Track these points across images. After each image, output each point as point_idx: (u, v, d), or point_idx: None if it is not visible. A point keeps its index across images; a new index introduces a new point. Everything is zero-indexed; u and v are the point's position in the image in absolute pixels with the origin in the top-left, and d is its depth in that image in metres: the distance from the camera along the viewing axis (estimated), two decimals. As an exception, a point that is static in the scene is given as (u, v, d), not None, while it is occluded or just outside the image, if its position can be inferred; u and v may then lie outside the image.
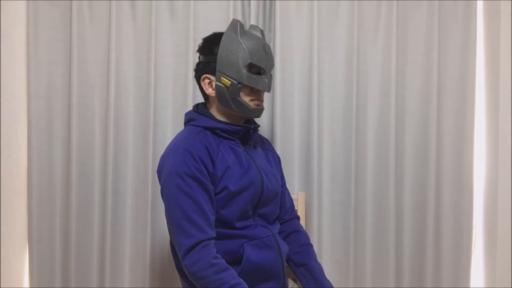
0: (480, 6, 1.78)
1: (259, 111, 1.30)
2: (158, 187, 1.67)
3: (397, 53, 1.73)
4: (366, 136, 1.76)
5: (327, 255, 1.74)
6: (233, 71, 1.24)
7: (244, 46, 1.24)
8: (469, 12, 1.75)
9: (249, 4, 1.73)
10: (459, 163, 1.75)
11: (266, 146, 1.47)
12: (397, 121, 1.75)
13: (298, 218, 1.49)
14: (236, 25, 1.26)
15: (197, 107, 1.36)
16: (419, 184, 1.77)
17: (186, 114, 1.36)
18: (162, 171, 1.24)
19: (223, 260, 1.17)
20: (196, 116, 1.31)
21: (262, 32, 1.32)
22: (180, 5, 1.72)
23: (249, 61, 1.24)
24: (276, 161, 1.46)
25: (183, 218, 1.17)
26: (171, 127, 1.73)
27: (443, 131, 1.76)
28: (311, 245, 1.43)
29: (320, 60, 1.73)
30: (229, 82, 1.24)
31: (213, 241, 1.19)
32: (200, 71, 1.31)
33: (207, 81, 1.29)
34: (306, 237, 1.44)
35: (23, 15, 1.68)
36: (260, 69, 1.26)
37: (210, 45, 1.29)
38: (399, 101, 1.76)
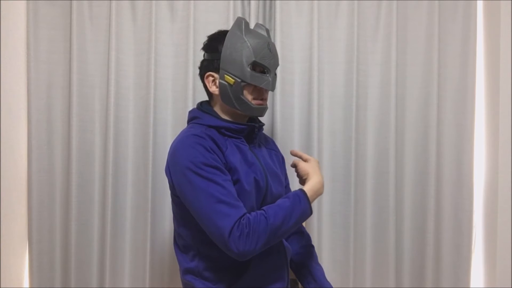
0: (480, 6, 1.79)
1: (262, 110, 1.29)
2: (158, 187, 1.69)
3: (397, 53, 1.73)
4: (366, 136, 1.76)
5: (327, 255, 1.74)
6: (237, 69, 1.22)
7: (249, 44, 1.22)
8: (469, 12, 1.75)
9: (249, 4, 1.73)
10: (459, 163, 1.75)
11: (270, 145, 1.46)
12: (397, 121, 1.75)
13: None
14: (241, 23, 1.25)
15: (201, 105, 1.34)
16: (419, 184, 1.77)
17: (190, 112, 1.34)
18: (175, 167, 1.17)
19: (261, 209, 1.15)
20: (200, 115, 1.29)
21: (267, 30, 1.31)
22: (180, 5, 1.72)
23: (253, 59, 1.22)
24: (280, 160, 1.45)
25: (217, 202, 1.10)
26: (171, 127, 1.73)
27: (443, 131, 1.77)
28: (312, 246, 1.43)
29: (320, 60, 1.73)
30: (233, 80, 1.23)
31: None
32: (204, 68, 1.30)
33: (210, 78, 1.28)
34: (308, 238, 1.44)
35: (23, 15, 1.68)
36: (264, 67, 1.25)
37: (215, 43, 1.28)
38: (399, 101, 1.76)
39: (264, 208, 1.15)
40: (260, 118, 1.40)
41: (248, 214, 1.12)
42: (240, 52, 1.22)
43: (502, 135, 1.70)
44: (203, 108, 1.32)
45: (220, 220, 1.09)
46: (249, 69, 1.22)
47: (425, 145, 1.76)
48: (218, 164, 1.15)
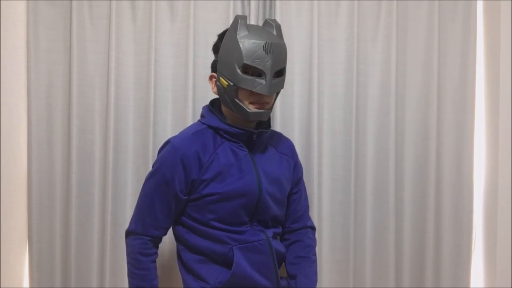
0: (480, 6, 1.78)
1: (259, 115, 1.21)
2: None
3: (397, 53, 1.73)
4: (366, 136, 1.76)
5: (327, 255, 1.74)
6: (229, 72, 1.18)
7: (241, 46, 1.16)
8: (469, 12, 1.75)
9: (249, 4, 1.73)
10: (459, 163, 1.75)
11: (282, 149, 1.39)
12: (397, 121, 1.75)
13: (312, 227, 1.42)
14: (236, 23, 1.19)
15: (212, 103, 1.35)
16: (419, 184, 1.77)
17: (203, 107, 1.35)
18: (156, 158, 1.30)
19: (148, 259, 1.25)
20: (207, 114, 1.30)
21: (278, 27, 1.24)
22: (180, 5, 1.72)
23: (243, 62, 1.15)
24: (290, 167, 1.38)
25: (137, 208, 1.28)
26: (171, 127, 1.73)
27: (443, 131, 1.77)
28: (308, 258, 1.36)
29: (320, 60, 1.73)
30: (226, 83, 1.19)
31: (150, 239, 1.25)
32: (211, 68, 1.30)
33: (213, 79, 1.27)
34: (307, 250, 1.37)
35: (23, 15, 1.68)
36: (258, 70, 1.17)
37: (218, 43, 1.26)
38: (399, 101, 1.76)
39: (145, 263, 1.26)
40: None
41: (143, 238, 1.25)
42: (232, 54, 1.17)
43: (502, 135, 1.70)
44: (212, 107, 1.32)
45: (132, 219, 1.29)
46: (240, 72, 1.16)
47: (425, 145, 1.76)
48: (171, 181, 1.21)
